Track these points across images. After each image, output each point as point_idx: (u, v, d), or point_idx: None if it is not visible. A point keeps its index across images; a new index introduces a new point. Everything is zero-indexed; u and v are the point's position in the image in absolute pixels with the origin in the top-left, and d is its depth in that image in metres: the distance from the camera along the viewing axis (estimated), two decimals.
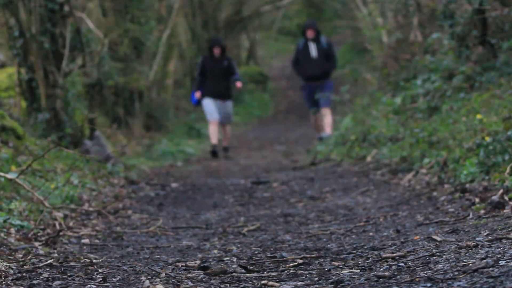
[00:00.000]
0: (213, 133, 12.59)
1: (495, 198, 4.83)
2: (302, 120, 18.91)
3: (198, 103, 12.82)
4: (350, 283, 3.34)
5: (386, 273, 3.42)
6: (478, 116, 6.71)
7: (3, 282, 3.43)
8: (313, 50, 12.70)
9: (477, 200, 5.13)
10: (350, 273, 3.57)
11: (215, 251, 4.47)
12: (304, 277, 3.59)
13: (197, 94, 12.61)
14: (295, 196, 7.16)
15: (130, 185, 8.34)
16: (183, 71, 19.88)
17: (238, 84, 12.82)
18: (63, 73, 10.28)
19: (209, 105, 12.56)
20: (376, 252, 4.04)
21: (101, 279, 3.56)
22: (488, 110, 7.04)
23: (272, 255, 4.21)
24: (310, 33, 12.72)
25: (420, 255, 3.79)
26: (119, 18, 15.44)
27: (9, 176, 5.72)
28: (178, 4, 18.27)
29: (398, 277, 3.36)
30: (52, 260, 3.95)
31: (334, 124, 13.17)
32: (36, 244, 4.59)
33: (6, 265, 3.81)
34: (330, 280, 3.45)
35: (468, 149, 6.26)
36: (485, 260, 3.36)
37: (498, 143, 5.70)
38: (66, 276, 3.64)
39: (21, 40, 10.10)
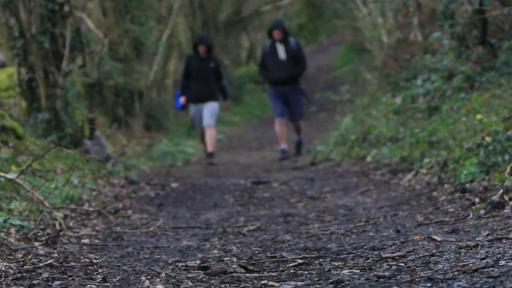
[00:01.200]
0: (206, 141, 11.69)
1: (495, 198, 4.83)
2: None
3: (183, 107, 11.82)
4: (350, 283, 3.34)
5: (386, 273, 3.42)
6: (478, 116, 6.72)
7: (3, 282, 3.43)
8: (281, 51, 11.59)
9: (477, 200, 5.13)
10: (350, 273, 3.57)
11: (215, 251, 4.47)
12: (304, 277, 3.59)
13: (182, 100, 11.64)
14: (295, 196, 7.16)
15: (130, 185, 8.34)
16: None
17: (227, 105, 12.07)
18: (63, 73, 10.29)
19: (194, 115, 11.64)
20: (376, 252, 4.04)
21: (101, 279, 3.56)
22: (488, 110, 7.04)
23: (272, 255, 4.21)
24: (277, 34, 11.60)
25: (420, 255, 3.79)
26: (119, 18, 15.45)
27: (9, 176, 5.72)
28: (178, 4, 18.28)
29: (398, 277, 3.36)
30: (52, 260, 3.95)
31: (304, 132, 12.38)
32: (36, 244, 4.59)
33: (6, 265, 3.81)
34: (330, 280, 3.45)
35: (468, 149, 6.26)
36: (485, 260, 3.36)
37: (498, 143, 5.70)
38: (66, 276, 3.64)
39: (21, 40, 10.11)
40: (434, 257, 3.68)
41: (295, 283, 3.46)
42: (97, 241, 5.00)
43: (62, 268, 3.80)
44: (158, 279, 3.55)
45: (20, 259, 4.03)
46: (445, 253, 3.73)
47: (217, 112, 11.80)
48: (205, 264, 3.91)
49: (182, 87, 11.69)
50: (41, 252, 4.33)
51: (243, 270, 3.80)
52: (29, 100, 10.24)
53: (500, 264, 3.26)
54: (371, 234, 4.77)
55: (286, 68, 11.59)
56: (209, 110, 11.54)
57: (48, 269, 3.79)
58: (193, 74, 11.57)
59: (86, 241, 4.93)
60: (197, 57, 11.62)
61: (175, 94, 12.28)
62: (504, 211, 4.69)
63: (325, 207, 6.27)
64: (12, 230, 4.83)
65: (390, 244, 4.27)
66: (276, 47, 11.63)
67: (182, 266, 3.95)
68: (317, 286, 3.39)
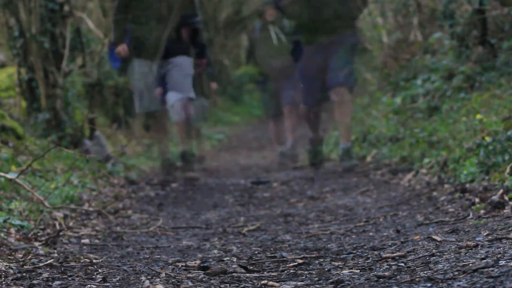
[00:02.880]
0: (182, 135, 9.58)
1: (495, 198, 4.83)
2: (302, 120, 18.92)
3: (122, 69, 8.91)
4: (350, 283, 3.34)
5: (386, 273, 3.42)
6: (478, 116, 6.72)
7: (3, 282, 3.43)
8: (274, 36, 10.01)
9: (477, 200, 5.13)
10: (350, 273, 3.57)
11: (215, 251, 4.47)
12: (304, 277, 3.59)
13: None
14: (295, 196, 7.16)
15: (130, 185, 8.34)
16: None
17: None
18: (63, 73, 10.29)
19: (175, 99, 9.25)
20: (376, 252, 4.04)
21: (101, 279, 3.56)
22: (488, 110, 7.04)
23: (272, 255, 4.21)
24: (269, 15, 9.87)
25: (420, 255, 3.79)
26: None
27: (9, 176, 5.71)
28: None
29: (398, 277, 3.36)
30: (52, 260, 3.95)
31: (303, 132, 10.97)
32: (36, 244, 4.59)
33: (6, 265, 3.80)
34: (330, 280, 3.45)
35: (468, 149, 6.26)
36: (485, 260, 3.35)
37: (498, 143, 5.70)
38: (66, 276, 3.64)
39: (21, 40, 10.11)
40: (434, 257, 3.68)
41: (295, 283, 3.46)
42: (97, 241, 5.00)
43: (62, 268, 3.80)
44: (158, 279, 3.55)
45: (20, 259, 4.02)
46: (445, 253, 3.72)
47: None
48: (205, 264, 3.90)
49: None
50: (41, 252, 4.33)
51: (243, 270, 3.80)
52: (29, 100, 10.24)
53: (500, 264, 3.26)
54: (371, 234, 4.77)
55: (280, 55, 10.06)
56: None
57: (48, 269, 3.79)
58: None
59: (86, 241, 4.93)
60: (178, 42, 9.65)
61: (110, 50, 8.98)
62: (504, 211, 4.69)
63: (325, 207, 6.27)
64: (12, 230, 4.83)
65: (390, 244, 4.27)
66: (269, 30, 10.04)
67: (182, 266, 3.94)
68: (317, 286, 3.39)
